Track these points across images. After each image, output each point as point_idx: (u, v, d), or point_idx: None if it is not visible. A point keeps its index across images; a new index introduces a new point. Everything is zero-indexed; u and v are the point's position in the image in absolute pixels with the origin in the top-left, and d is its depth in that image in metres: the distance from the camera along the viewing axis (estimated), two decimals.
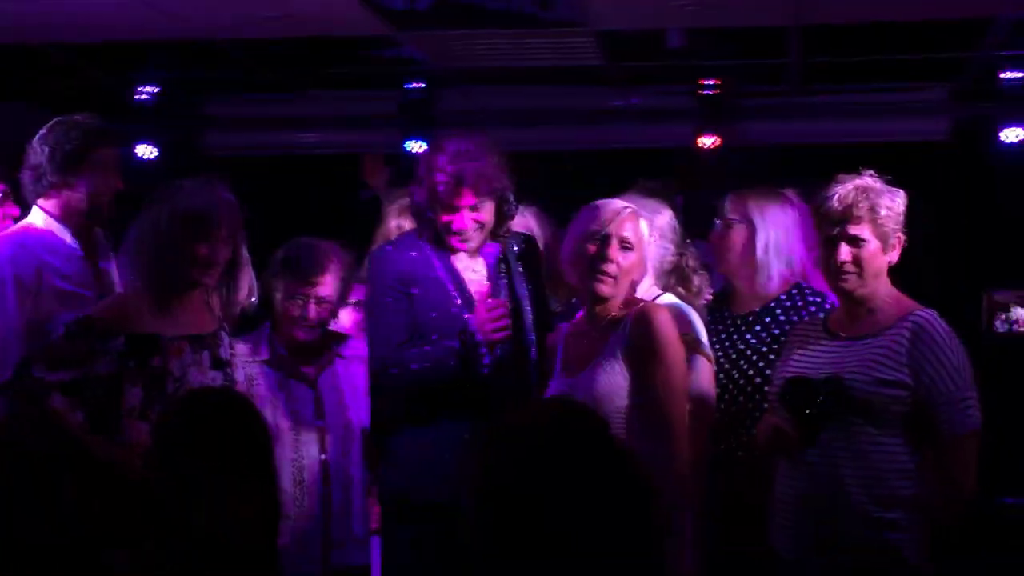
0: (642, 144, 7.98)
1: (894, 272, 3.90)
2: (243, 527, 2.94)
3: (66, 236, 4.51)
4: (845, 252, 3.78)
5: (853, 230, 3.77)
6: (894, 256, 3.83)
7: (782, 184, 4.61)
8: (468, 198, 4.16)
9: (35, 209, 4.53)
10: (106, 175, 4.52)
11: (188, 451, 3.01)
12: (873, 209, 3.77)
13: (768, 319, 4.37)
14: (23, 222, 4.59)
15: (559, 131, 8.13)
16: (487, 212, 4.21)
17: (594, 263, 3.98)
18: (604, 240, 3.99)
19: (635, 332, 3.91)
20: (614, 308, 4.00)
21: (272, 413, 4.31)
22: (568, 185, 6.29)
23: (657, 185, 4.80)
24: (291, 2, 6.04)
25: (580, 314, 4.16)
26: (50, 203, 4.51)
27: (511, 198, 4.27)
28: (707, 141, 7.61)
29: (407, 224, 4.80)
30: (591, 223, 4.04)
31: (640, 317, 3.93)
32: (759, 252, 4.37)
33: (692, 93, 7.62)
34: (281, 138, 8.46)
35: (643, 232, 4.07)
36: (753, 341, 4.34)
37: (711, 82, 7.49)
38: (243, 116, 8.40)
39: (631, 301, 4.01)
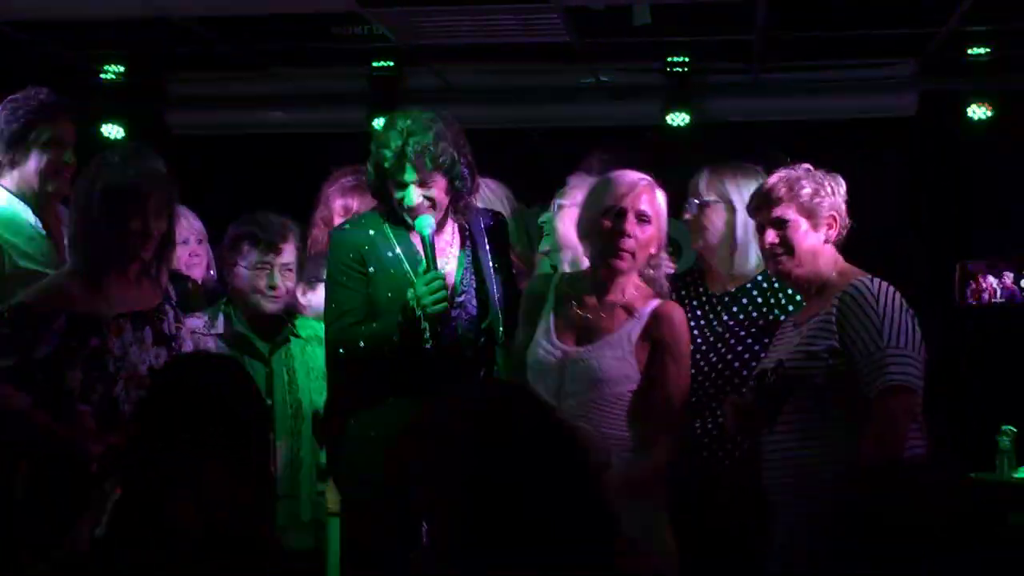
0: (610, 122, 7.98)
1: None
2: (237, 512, 2.86)
3: (28, 214, 4.46)
4: (771, 235, 3.93)
5: (776, 212, 3.93)
6: (830, 235, 3.93)
7: (751, 162, 4.60)
8: (412, 174, 4.14)
9: None
10: (55, 150, 4.46)
11: (176, 424, 2.91)
12: (792, 189, 3.90)
13: (745, 300, 4.36)
14: None
15: (527, 109, 8.11)
16: (438, 188, 4.19)
17: (611, 238, 3.98)
18: (620, 214, 3.99)
19: (655, 327, 3.98)
20: (627, 288, 4.01)
21: None
22: (536, 163, 6.28)
23: (611, 158, 4.80)
24: None
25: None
26: (6, 181, 4.47)
27: (465, 173, 4.23)
28: (675, 118, 7.60)
29: (354, 204, 4.80)
30: (606, 197, 4.04)
31: (662, 315, 4.00)
32: (739, 232, 4.35)
33: (660, 70, 7.62)
34: (247, 116, 8.41)
35: (660, 204, 4.09)
36: (731, 323, 4.33)
37: (678, 59, 7.47)
38: (209, 95, 8.34)
39: (644, 290, 4.04)
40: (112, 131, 7.78)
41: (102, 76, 7.68)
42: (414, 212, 4.17)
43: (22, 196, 4.47)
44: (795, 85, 7.95)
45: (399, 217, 4.23)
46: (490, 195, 4.94)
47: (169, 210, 4.06)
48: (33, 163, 4.45)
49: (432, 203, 4.18)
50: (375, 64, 7.65)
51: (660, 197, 4.11)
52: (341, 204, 5.19)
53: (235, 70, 8.02)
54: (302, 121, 8.30)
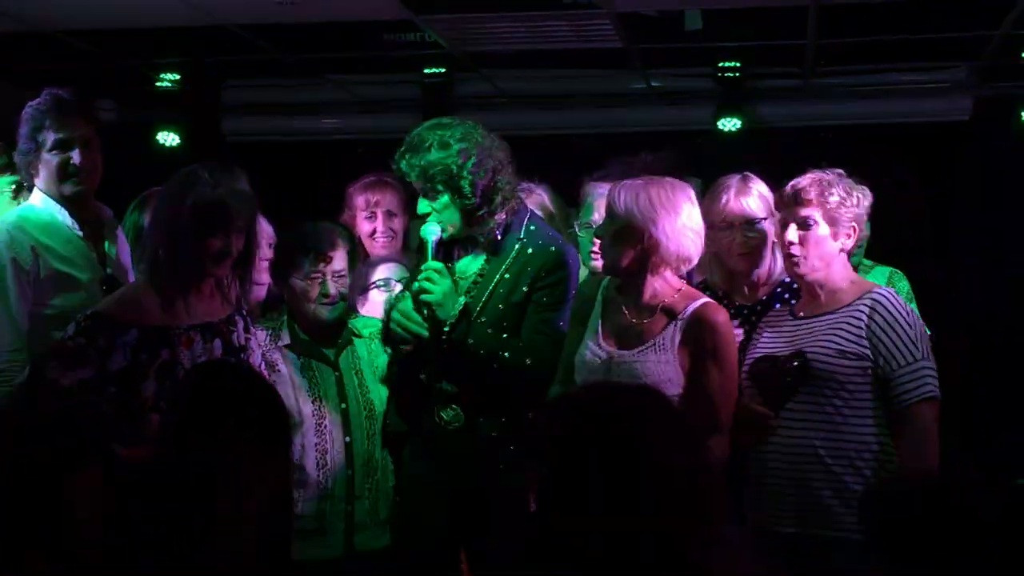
0: (662, 127, 7.98)
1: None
2: (258, 508, 2.90)
3: (65, 217, 4.49)
4: (793, 232, 4.01)
5: (803, 212, 4.00)
6: (847, 245, 4.03)
7: (803, 167, 4.60)
8: (415, 185, 4.23)
9: (35, 191, 4.54)
10: (62, 153, 4.45)
11: (202, 427, 2.95)
12: (823, 195, 3.98)
13: (779, 305, 4.38)
14: (24, 204, 4.59)
15: (578, 114, 8.13)
16: (441, 202, 4.19)
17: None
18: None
19: (695, 331, 3.97)
20: (669, 292, 4.02)
21: (296, 397, 4.34)
22: (587, 169, 6.26)
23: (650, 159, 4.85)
24: None
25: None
26: (43, 184, 4.51)
27: (469, 191, 4.16)
28: (727, 123, 7.59)
29: (375, 198, 5.19)
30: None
31: (702, 317, 3.98)
32: (770, 243, 4.41)
33: (712, 75, 7.61)
34: (301, 124, 8.49)
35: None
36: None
37: (730, 64, 7.46)
38: (263, 102, 8.42)
39: (686, 292, 4.05)
40: (168, 138, 7.87)
41: (158, 84, 7.77)
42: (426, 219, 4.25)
43: (55, 199, 4.51)
44: (847, 90, 7.92)
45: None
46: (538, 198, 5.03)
47: (250, 228, 4.08)
48: (45, 168, 4.49)
49: (439, 215, 4.21)
50: (427, 71, 7.70)
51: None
52: (363, 200, 5.28)
53: (289, 77, 8.09)
54: (355, 128, 8.37)
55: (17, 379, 4.23)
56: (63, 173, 4.45)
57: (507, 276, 4.25)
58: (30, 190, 4.60)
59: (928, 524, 2.60)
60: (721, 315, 4.03)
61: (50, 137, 4.44)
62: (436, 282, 4.17)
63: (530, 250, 4.26)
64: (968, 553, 2.57)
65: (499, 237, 4.27)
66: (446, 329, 4.20)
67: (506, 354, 4.19)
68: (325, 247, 4.42)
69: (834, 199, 3.98)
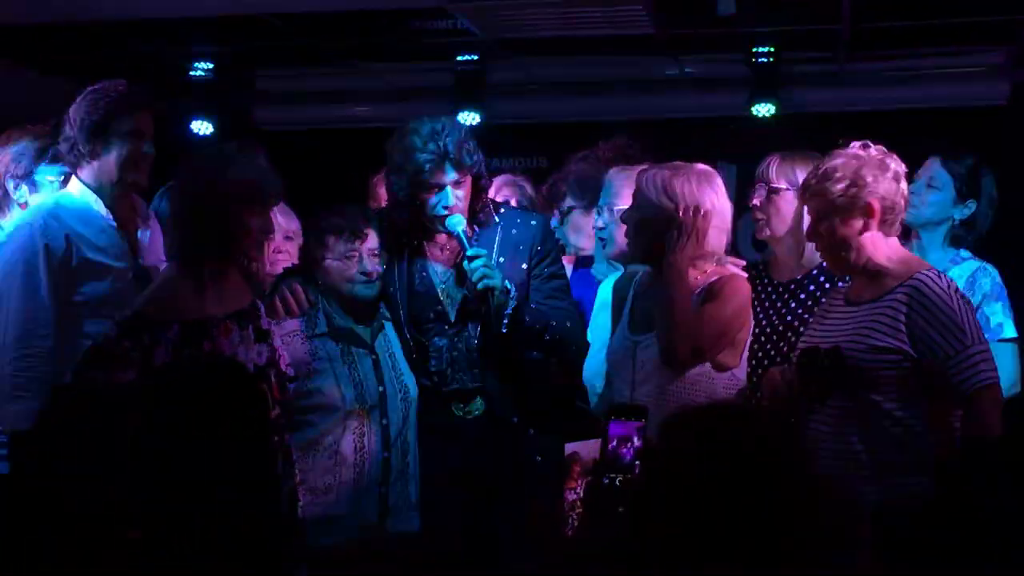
0: (695, 113, 7.94)
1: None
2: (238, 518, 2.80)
3: (100, 207, 4.52)
4: (807, 224, 3.98)
5: (809, 204, 3.96)
6: (869, 223, 3.84)
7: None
8: (453, 173, 4.31)
9: (73, 179, 4.56)
10: (134, 142, 4.51)
11: (172, 428, 2.84)
12: (820, 182, 3.88)
13: (812, 287, 4.35)
14: (60, 192, 4.61)
15: (611, 101, 8.10)
16: (466, 189, 4.37)
17: None
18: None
19: (707, 295, 4.02)
20: (693, 275, 4.02)
21: (338, 383, 4.38)
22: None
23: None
24: None
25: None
26: (84, 173, 4.53)
27: (484, 173, 4.43)
28: (761, 108, 7.55)
29: None
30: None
31: (716, 283, 4.03)
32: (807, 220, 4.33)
33: (745, 61, 7.57)
34: (334, 112, 8.49)
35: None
36: (799, 310, 4.30)
37: (764, 49, 7.41)
38: (296, 90, 8.43)
39: (712, 271, 4.05)
40: (201, 127, 7.90)
41: (191, 73, 7.80)
42: (449, 214, 4.33)
43: (99, 188, 4.52)
44: (882, 75, 7.85)
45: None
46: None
47: (269, 206, 4.10)
48: (114, 154, 4.50)
49: (461, 205, 4.34)
50: (459, 58, 7.69)
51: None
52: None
53: (321, 66, 8.10)
54: (387, 116, 8.36)
55: (42, 367, 4.30)
56: (132, 163, 4.49)
57: (502, 260, 4.42)
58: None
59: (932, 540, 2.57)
60: (735, 281, 4.03)
61: (125, 124, 4.48)
62: (492, 267, 4.26)
63: (514, 230, 4.48)
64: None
65: (495, 219, 4.48)
66: (508, 312, 4.30)
67: (553, 322, 4.38)
68: (360, 225, 4.45)
69: (838, 186, 3.83)
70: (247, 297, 4.12)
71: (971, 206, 4.92)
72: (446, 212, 4.35)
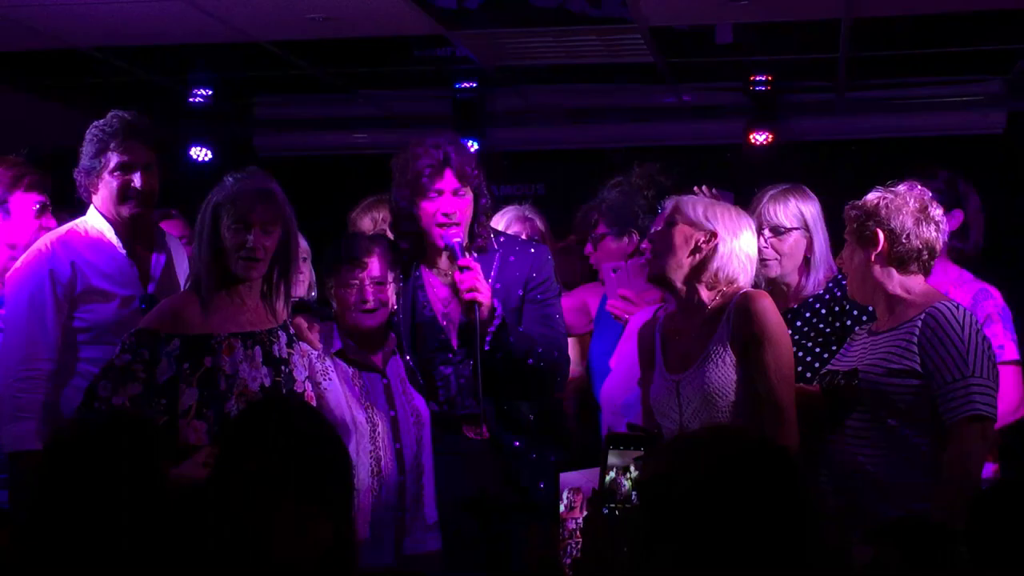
0: (693, 141, 7.97)
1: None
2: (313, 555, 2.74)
3: (112, 236, 4.57)
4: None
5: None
6: (879, 254, 3.89)
7: (834, 181, 4.61)
8: (453, 180, 4.35)
9: (91, 208, 4.62)
10: (123, 176, 4.54)
11: (253, 466, 2.77)
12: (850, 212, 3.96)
13: (808, 313, 4.39)
14: (75, 221, 4.66)
15: (609, 128, 8.13)
16: (467, 201, 4.41)
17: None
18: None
19: (739, 320, 3.90)
20: (712, 301, 4.01)
21: (350, 405, 4.37)
22: None
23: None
24: (341, 3, 6.08)
25: (661, 310, 4.17)
26: (95, 202, 4.60)
27: (485, 192, 4.46)
28: (758, 137, 7.58)
29: (380, 215, 5.19)
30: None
31: (741, 305, 3.92)
32: (817, 256, 4.41)
33: (743, 89, 7.60)
34: (333, 139, 8.52)
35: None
36: (795, 336, 4.32)
37: (762, 78, 7.45)
38: (295, 117, 8.46)
39: (727, 294, 4.02)
40: (201, 153, 7.92)
41: (191, 99, 7.82)
42: (447, 223, 4.36)
43: (109, 216, 4.59)
44: (879, 103, 7.89)
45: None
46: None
47: (284, 230, 4.12)
48: (105, 188, 4.57)
49: (460, 216, 4.38)
50: (458, 86, 7.72)
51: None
52: (369, 219, 5.31)
53: (321, 93, 8.13)
54: (387, 143, 8.38)
55: (42, 390, 4.35)
56: (122, 194, 4.55)
57: (498, 286, 4.44)
58: (82, 206, 4.66)
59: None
60: (763, 299, 3.93)
61: (113, 159, 4.54)
62: (481, 281, 4.31)
63: (512, 257, 4.51)
64: None
65: (495, 245, 4.51)
66: (492, 329, 4.33)
67: (539, 349, 4.39)
68: (359, 254, 4.46)
69: (853, 213, 3.94)
70: (267, 323, 4.15)
71: (957, 216, 4.96)
72: (445, 220, 4.38)
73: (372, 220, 5.36)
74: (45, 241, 4.56)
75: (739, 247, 3.98)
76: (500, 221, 5.38)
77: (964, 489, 3.58)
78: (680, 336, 4.04)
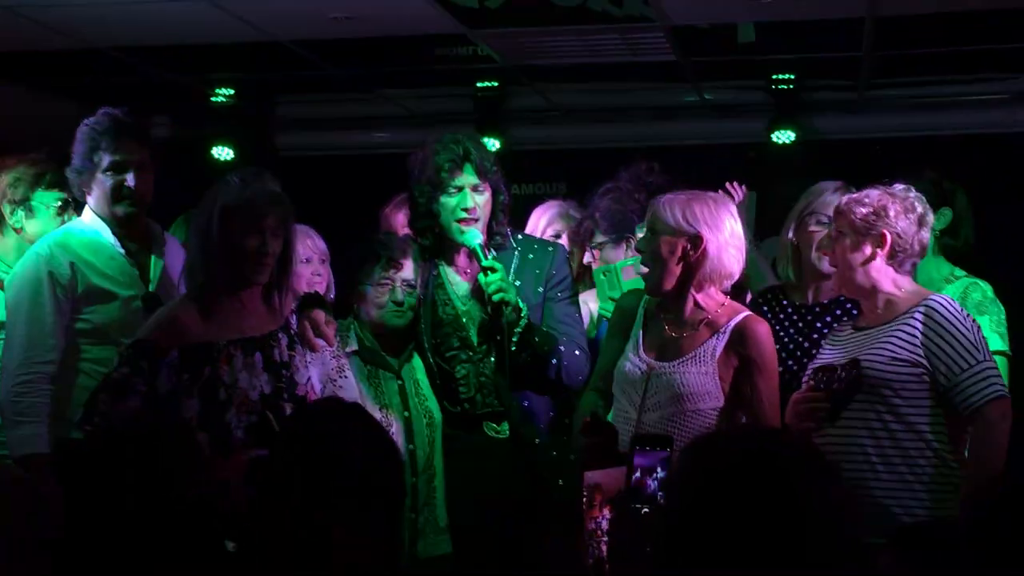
0: (715, 139, 7.94)
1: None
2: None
3: (108, 235, 4.54)
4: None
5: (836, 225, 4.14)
6: (880, 253, 4.00)
7: (857, 180, 4.58)
8: (472, 176, 4.36)
9: (85, 208, 4.60)
10: (116, 176, 4.53)
11: (303, 478, 2.74)
12: (850, 206, 4.04)
13: (840, 311, 4.40)
14: (72, 221, 4.66)
15: (631, 128, 8.10)
16: (486, 198, 4.41)
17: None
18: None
19: (739, 342, 4.01)
20: (711, 308, 4.02)
21: (363, 405, 4.36)
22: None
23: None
24: (363, 2, 6.07)
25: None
26: (91, 202, 4.57)
27: (504, 190, 4.46)
28: (780, 136, 7.55)
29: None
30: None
31: (744, 329, 4.02)
32: None
33: (765, 88, 7.57)
34: (354, 138, 8.51)
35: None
36: (815, 336, 4.35)
37: (784, 76, 7.42)
38: (316, 116, 8.46)
39: (729, 307, 4.05)
40: (222, 153, 7.94)
41: (212, 99, 7.83)
42: (467, 219, 4.35)
43: (104, 217, 4.56)
44: (903, 102, 7.84)
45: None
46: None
47: (286, 232, 4.06)
48: (98, 188, 4.54)
49: (479, 212, 4.37)
50: (480, 84, 7.71)
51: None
52: (403, 214, 5.30)
53: (342, 92, 8.12)
54: (408, 142, 8.36)
55: (42, 393, 4.35)
56: (116, 195, 4.52)
57: (518, 283, 4.43)
58: (78, 207, 4.65)
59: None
60: (763, 327, 4.07)
61: (105, 159, 4.51)
62: (508, 282, 4.31)
63: (531, 255, 4.52)
64: None
65: (513, 243, 4.52)
66: (518, 330, 4.33)
67: (562, 347, 4.40)
68: (396, 254, 4.48)
69: (860, 211, 4.00)
70: (268, 325, 4.10)
71: (946, 213, 4.98)
72: (465, 215, 4.37)
73: (406, 216, 5.33)
74: (44, 243, 4.54)
75: (725, 240, 4.04)
76: (542, 217, 5.37)
77: (996, 465, 3.80)
78: (666, 322, 4.09)
